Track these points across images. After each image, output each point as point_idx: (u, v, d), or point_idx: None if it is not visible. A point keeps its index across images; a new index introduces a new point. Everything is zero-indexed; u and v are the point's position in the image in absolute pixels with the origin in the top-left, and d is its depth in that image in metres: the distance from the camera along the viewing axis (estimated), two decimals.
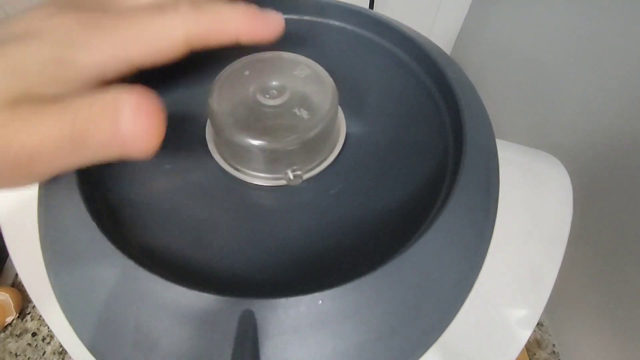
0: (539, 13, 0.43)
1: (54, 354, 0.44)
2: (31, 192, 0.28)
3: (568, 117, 0.39)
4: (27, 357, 0.44)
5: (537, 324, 0.46)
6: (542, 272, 0.24)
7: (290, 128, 0.18)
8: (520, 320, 0.25)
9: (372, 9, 0.58)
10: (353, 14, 0.25)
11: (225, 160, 0.20)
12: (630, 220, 0.32)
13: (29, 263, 0.28)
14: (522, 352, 0.46)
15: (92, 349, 0.16)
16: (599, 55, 0.34)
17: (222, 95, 0.18)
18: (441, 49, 0.25)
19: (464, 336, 0.25)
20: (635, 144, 0.31)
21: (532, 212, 0.25)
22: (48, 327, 0.46)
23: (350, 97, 0.22)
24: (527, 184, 0.26)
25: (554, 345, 0.45)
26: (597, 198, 0.36)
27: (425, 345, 0.16)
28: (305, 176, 0.19)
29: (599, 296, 0.37)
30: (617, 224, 0.34)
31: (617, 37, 0.32)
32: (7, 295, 0.45)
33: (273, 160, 0.18)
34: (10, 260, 0.50)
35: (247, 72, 0.19)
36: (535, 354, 0.45)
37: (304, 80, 0.19)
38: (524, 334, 0.24)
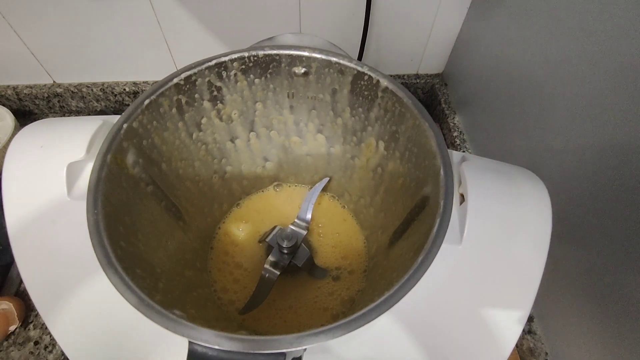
0: (531, 29, 0.44)
1: None
2: (40, 207, 0.29)
3: (554, 131, 0.40)
4: None
5: (530, 332, 0.46)
6: (528, 272, 0.26)
7: None
8: (510, 320, 0.26)
9: (362, 52, 0.60)
10: None
11: None
12: (621, 228, 0.33)
13: (36, 275, 0.29)
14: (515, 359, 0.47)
15: None
16: (589, 72, 0.36)
17: None
18: None
19: (458, 334, 0.26)
20: (623, 157, 0.32)
21: (515, 220, 0.27)
22: (50, 336, 0.46)
23: None
24: (510, 198, 0.27)
25: (546, 353, 0.45)
26: (588, 209, 0.37)
27: None
28: None
29: (592, 305, 0.38)
30: (609, 233, 0.35)
31: (609, 56, 0.33)
32: (11, 304, 0.46)
33: None
34: (14, 270, 0.51)
35: None
36: None
37: None
38: (516, 330, 0.26)
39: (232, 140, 0.40)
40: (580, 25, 0.36)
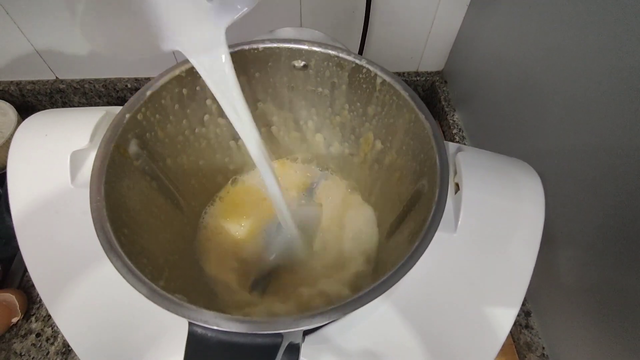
0: (531, 27, 0.44)
1: (57, 354, 0.45)
2: (44, 194, 0.30)
3: (553, 129, 0.41)
4: (32, 357, 0.45)
5: (527, 327, 0.47)
6: (521, 259, 0.26)
7: None
8: (504, 307, 0.26)
9: (362, 49, 0.60)
10: None
11: None
12: (617, 225, 0.34)
13: (40, 263, 0.30)
14: (512, 354, 0.47)
15: None
16: (588, 71, 0.36)
17: None
18: None
19: (453, 322, 0.27)
20: (621, 155, 0.32)
21: (509, 209, 0.27)
22: (52, 328, 0.47)
23: None
24: (504, 188, 0.28)
25: (543, 348, 0.46)
26: (585, 207, 0.37)
27: None
28: None
29: (589, 299, 0.38)
30: (605, 229, 0.35)
31: (608, 54, 0.34)
32: (13, 296, 0.46)
33: None
34: (17, 263, 0.52)
35: None
36: (525, 357, 0.46)
37: None
38: (510, 317, 0.26)
39: (234, 139, 0.41)
40: (580, 23, 0.37)
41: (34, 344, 0.46)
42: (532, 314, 0.48)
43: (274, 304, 0.38)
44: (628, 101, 0.31)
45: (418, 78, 0.69)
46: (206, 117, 0.37)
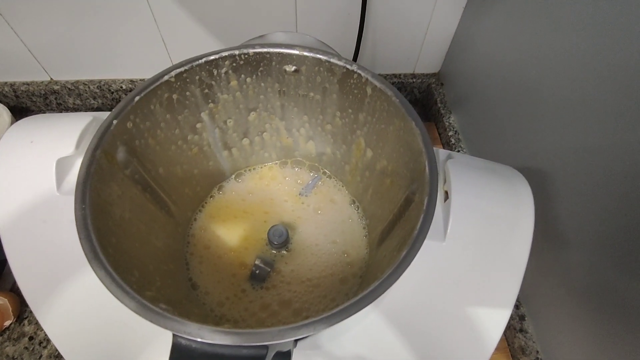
0: (527, 29, 0.44)
1: (50, 357, 0.45)
2: (30, 202, 0.30)
3: (548, 131, 0.41)
4: None
5: (522, 331, 0.47)
6: (511, 267, 0.26)
7: None
8: (494, 314, 0.26)
9: (358, 51, 0.60)
10: None
11: None
12: (611, 229, 0.33)
13: (26, 270, 0.29)
14: (507, 357, 0.47)
15: None
16: (584, 73, 0.36)
17: None
18: None
19: (444, 330, 0.27)
20: (615, 158, 0.32)
21: (498, 217, 0.27)
22: (45, 332, 0.47)
23: None
24: (494, 195, 0.28)
25: (537, 352, 0.46)
26: (580, 209, 0.37)
27: None
28: None
29: (583, 303, 0.38)
30: (603, 231, 0.35)
31: (603, 57, 0.33)
32: (6, 299, 0.46)
33: None
34: (9, 266, 0.51)
35: None
36: None
37: None
38: (500, 325, 0.26)
39: (227, 149, 0.41)
40: (576, 24, 0.36)
41: (26, 348, 0.46)
42: (526, 318, 0.48)
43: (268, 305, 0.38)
44: (625, 101, 0.31)
45: (414, 80, 0.69)
46: (199, 125, 0.37)
